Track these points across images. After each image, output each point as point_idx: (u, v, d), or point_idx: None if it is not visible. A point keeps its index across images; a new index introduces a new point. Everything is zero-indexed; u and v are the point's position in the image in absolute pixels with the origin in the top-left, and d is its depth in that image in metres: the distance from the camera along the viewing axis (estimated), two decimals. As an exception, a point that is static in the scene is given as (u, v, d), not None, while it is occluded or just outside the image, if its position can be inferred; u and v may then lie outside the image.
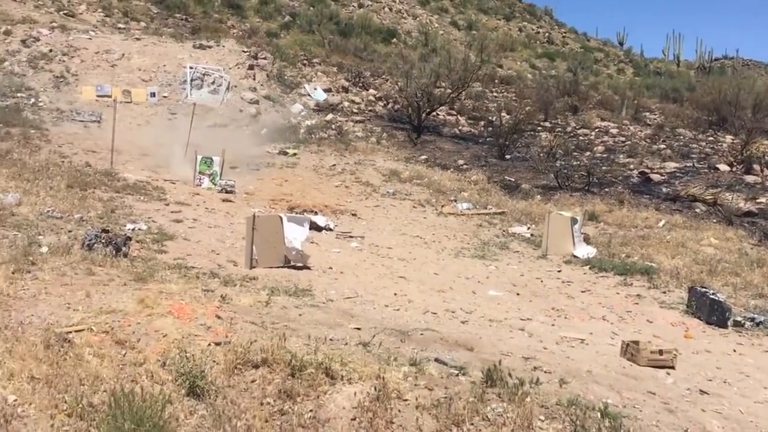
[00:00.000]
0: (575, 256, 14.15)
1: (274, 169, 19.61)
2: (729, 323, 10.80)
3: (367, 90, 30.82)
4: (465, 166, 23.09)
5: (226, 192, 16.63)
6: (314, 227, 13.55)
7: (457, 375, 6.77)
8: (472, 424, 5.99)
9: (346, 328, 7.89)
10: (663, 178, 23.68)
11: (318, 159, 21.21)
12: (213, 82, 25.73)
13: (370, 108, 29.23)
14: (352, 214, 16.12)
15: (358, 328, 7.92)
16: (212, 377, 6.29)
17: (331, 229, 14.52)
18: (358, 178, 19.51)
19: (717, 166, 24.94)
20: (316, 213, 15.35)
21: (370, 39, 37.68)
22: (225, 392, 6.18)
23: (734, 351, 9.76)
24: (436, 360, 7.10)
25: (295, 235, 11.41)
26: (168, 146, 19.21)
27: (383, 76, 32.13)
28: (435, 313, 9.62)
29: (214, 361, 6.50)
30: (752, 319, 10.96)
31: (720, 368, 8.83)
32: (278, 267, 10.99)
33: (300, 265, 11.22)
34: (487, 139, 27.27)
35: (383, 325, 8.29)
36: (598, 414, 6.19)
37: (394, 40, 39.72)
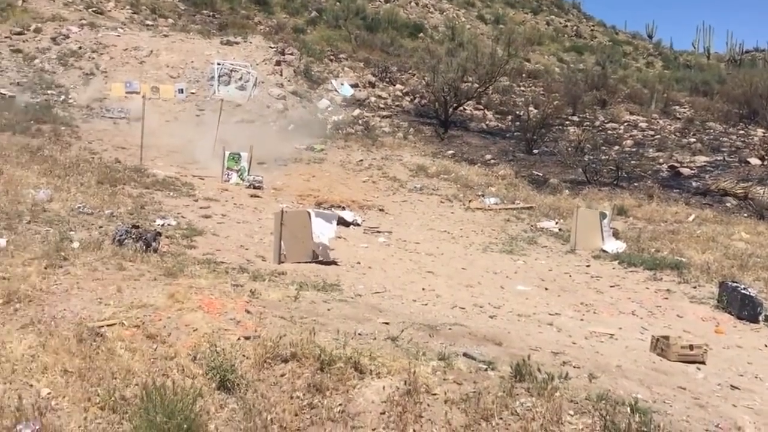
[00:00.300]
0: (604, 251, 14.05)
1: (301, 165, 19.70)
2: (760, 318, 10.67)
3: (394, 85, 30.81)
4: (492, 161, 23.03)
5: (254, 188, 16.73)
6: (342, 222, 13.61)
7: (486, 370, 6.76)
8: (501, 418, 5.98)
9: (375, 323, 7.91)
10: (693, 172, 23.46)
11: (345, 154, 21.27)
12: (240, 78, 25.86)
13: (397, 103, 29.23)
14: (380, 210, 16.14)
15: (387, 323, 7.94)
16: (242, 371, 6.34)
17: (358, 225, 14.56)
18: (386, 174, 19.53)
19: (748, 159, 24.67)
20: (343, 208, 15.39)
21: (396, 34, 37.66)
22: (255, 386, 6.23)
23: (765, 346, 9.65)
24: (465, 355, 7.10)
25: (323, 230, 11.45)
26: (196, 142, 19.38)
27: (410, 71, 32.10)
28: (463, 308, 9.62)
29: (243, 356, 6.56)
30: (784, 314, 10.82)
31: (751, 363, 8.73)
32: (306, 262, 11.04)
33: (328, 260, 11.26)
34: (515, 133, 27.16)
35: (411, 319, 8.30)
36: (628, 409, 6.14)
37: (421, 34, 39.63)
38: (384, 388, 6.21)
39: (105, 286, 7.73)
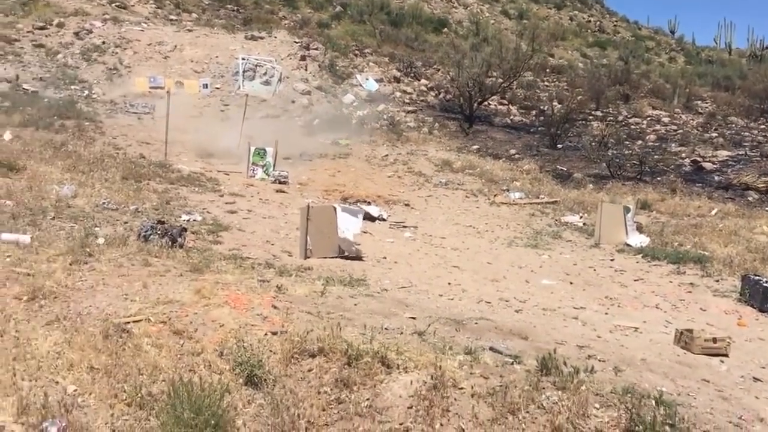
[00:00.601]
0: (628, 245, 14.04)
1: (326, 160, 19.77)
2: (783, 312, 10.63)
3: (419, 80, 30.82)
4: (517, 156, 23.01)
5: (280, 183, 16.81)
6: (367, 217, 13.67)
7: (512, 363, 6.81)
8: (527, 412, 6.03)
9: (401, 318, 7.97)
10: (715, 166, 23.32)
11: (370, 149, 21.32)
12: (265, 73, 25.92)
13: (421, 98, 29.23)
14: (405, 204, 16.21)
15: (413, 318, 8.01)
16: (269, 366, 6.42)
17: (384, 219, 14.63)
18: (411, 168, 19.58)
19: (770, 154, 24.47)
20: (369, 203, 15.46)
21: (421, 29, 37.59)
22: (282, 381, 6.31)
23: (789, 339, 9.62)
24: (491, 349, 7.15)
25: (349, 225, 11.54)
26: (221, 138, 19.47)
27: (435, 66, 32.08)
28: (489, 302, 9.67)
29: (270, 351, 6.64)
30: (806, 308, 10.76)
31: (773, 356, 8.73)
32: (332, 257, 11.11)
33: (353, 255, 11.33)
34: (539, 128, 27.09)
35: (438, 314, 8.36)
36: (653, 402, 6.17)
37: (445, 29, 39.55)
38: (411, 382, 6.28)
39: (131, 282, 7.77)
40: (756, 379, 7.68)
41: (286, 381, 6.33)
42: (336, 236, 11.33)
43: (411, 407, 6.08)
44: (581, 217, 16.26)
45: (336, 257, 11.15)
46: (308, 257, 11.00)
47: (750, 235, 15.33)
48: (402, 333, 7.38)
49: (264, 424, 5.86)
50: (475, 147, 23.49)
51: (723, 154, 24.85)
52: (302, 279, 9.35)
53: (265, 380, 6.27)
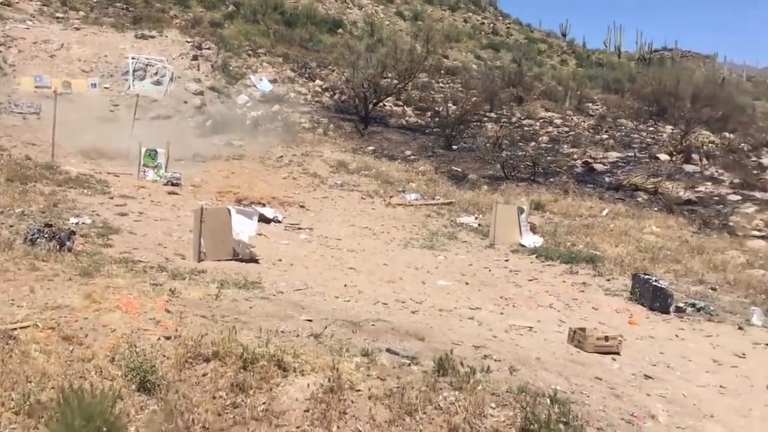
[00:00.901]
0: (522, 246, 14.33)
1: (220, 161, 19.43)
2: (671, 309, 11.07)
3: (314, 81, 30.70)
4: (412, 157, 23.16)
5: (172, 185, 16.40)
6: (263, 219, 13.49)
7: (409, 365, 6.80)
8: (424, 413, 6.02)
9: (298, 320, 7.86)
10: (606, 167, 24.14)
11: (264, 151, 21.06)
12: (156, 73, 25.30)
13: (316, 99, 29.12)
14: (301, 206, 16.06)
15: (310, 320, 7.91)
16: (163, 372, 6.19)
17: (279, 221, 14.46)
18: (306, 170, 19.43)
19: (657, 155, 25.56)
20: (264, 205, 15.25)
21: (315, 29, 37.45)
22: (176, 386, 6.10)
23: (676, 336, 10.02)
24: (388, 350, 7.13)
25: (243, 227, 11.32)
26: (111, 138, 18.86)
27: (329, 67, 32.03)
28: (385, 304, 9.65)
29: (164, 356, 6.41)
30: (693, 305, 11.26)
31: (663, 353, 9.05)
32: (227, 260, 10.89)
33: (248, 258, 11.13)
34: (434, 129, 27.38)
35: (334, 316, 8.30)
36: (548, 400, 6.28)
37: (340, 30, 39.51)
38: (308, 385, 6.18)
39: (17, 287, 7.45)
40: (647, 377, 7.92)
41: (180, 386, 6.11)
42: (230, 239, 11.11)
43: (308, 410, 5.98)
44: (476, 218, 16.50)
45: (230, 260, 10.93)
46: (202, 260, 10.74)
47: (639, 235, 15.90)
48: (298, 336, 7.27)
49: (158, 431, 5.65)
50: (371, 148, 23.53)
51: (613, 155, 25.76)
52: (196, 282, 9.11)
53: (159, 386, 6.04)
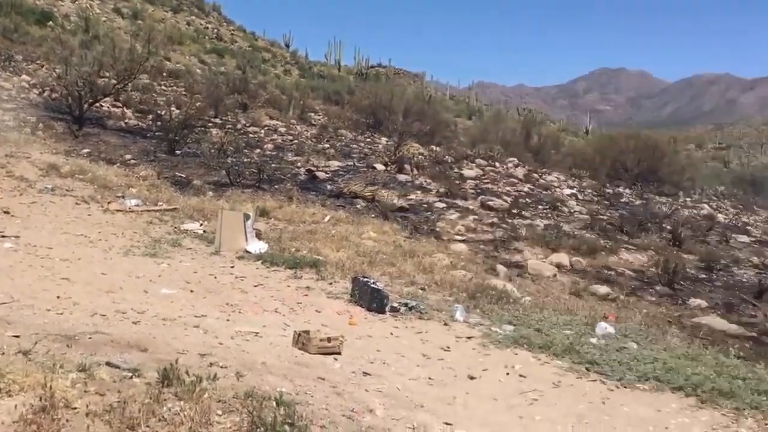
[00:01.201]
0: (248, 252, 14.29)
1: None
2: (387, 309, 11.61)
3: (20, 75, 28.48)
4: (133, 161, 22.23)
5: None
6: (-40, 226, 12.20)
7: (131, 377, 6.48)
8: (147, 426, 5.76)
9: (3, 337, 7.19)
10: (328, 176, 24.85)
11: (-39, 151, 19.09)
12: None
13: (23, 95, 26.95)
14: (5, 212, 14.67)
15: (17, 336, 7.27)
16: None
17: (-22, 229, 13.14)
18: (11, 172, 17.81)
19: (374, 165, 26.82)
20: (-40, 211, 13.81)
21: (21, 20, 34.83)
22: None
23: (391, 334, 10.54)
24: (108, 364, 6.74)
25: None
26: None
27: (38, 62, 29.91)
28: (104, 315, 9.13)
29: None
30: (406, 305, 11.91)
31: (380, 351, 9.50)
32: None
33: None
34: (156, 133, 26.47)
35: (46, 330, 7.70)
36: (274, 403, 6.29)
37: (51, 23, 37.09)
38: (15, 406, 5.67)
39: None
40: (365, 374, 8.26)
41: None
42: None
43: (15, 433, 5.49)
44: (201, 225, 16.19)
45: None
46: None
47: (359, 240, 16.50)
48: (4, 353, 6.65)
49: None
50: (86, 151, 22.22)
51: (334, 164, 26.60)
52: None
53: None
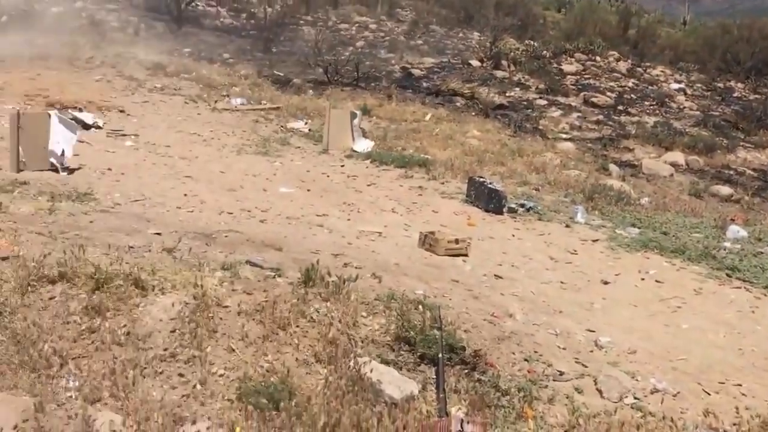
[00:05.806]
0: (355, 151, 14.17)
1: (22, 61, 17.59)
2: (504, 210, 11.33)
3: (120, -25, 28.46)
4: (231, 60, 22.25)
5: (-33, 86, 14.69)
6: (81, 125, 12.39)
7: (274, 277, 6.52)
8: (297, 326, 5.79)
9: (146, 234, 7.33)
10: (423, 73, 24.40)
11: (72, 50, 19.37)
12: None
13: (124, -4, 27.05)
14: (120, 111, 14.92)
15: (159, 233, 7.40)
16: (3, 297, 5.55)
17: (100, 127, 13.37)
18: (120, 72, 18.06)
19: (469, 61, 26.09)
20: (80, 109, 14.02)
21: None
22: (22, 312, 5.49)
23: (513, 236, 10.27)
24: (249, 262, 6.79)
25: (59, 138, 10.32)
26: None
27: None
28: (231, 213, 9.24)
29: (2, 279, 5.75)
30: (522, 205, 11.59)
31: (506, 253, 9.29)
32: (49, 170, 9.96)
33: (65, 169, 10.19)
34: (251, 32, 26.33)
35: (183, 228, 7.82)
36: (420, 306, 6.24)
37: None
38: (172, 304, 5.76)
39: None
40: (497, 276, 8.11)
41: (26, 312, 5.50)
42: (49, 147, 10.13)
43: (174, 331, 5.56)
44: (306, 123, 16.14)
45: (51, 170, 10.02)
46: (21, 170, 9.76)
47: (464, 139, 16.21)
48: (150, 251, 6.78)
49: (9, 363, 5.03)
50: (187, 50, 22.32)
51: (429, 61, 26.04)
52: (23, 195, 8.26)
53: (1, 313, 5.41)
